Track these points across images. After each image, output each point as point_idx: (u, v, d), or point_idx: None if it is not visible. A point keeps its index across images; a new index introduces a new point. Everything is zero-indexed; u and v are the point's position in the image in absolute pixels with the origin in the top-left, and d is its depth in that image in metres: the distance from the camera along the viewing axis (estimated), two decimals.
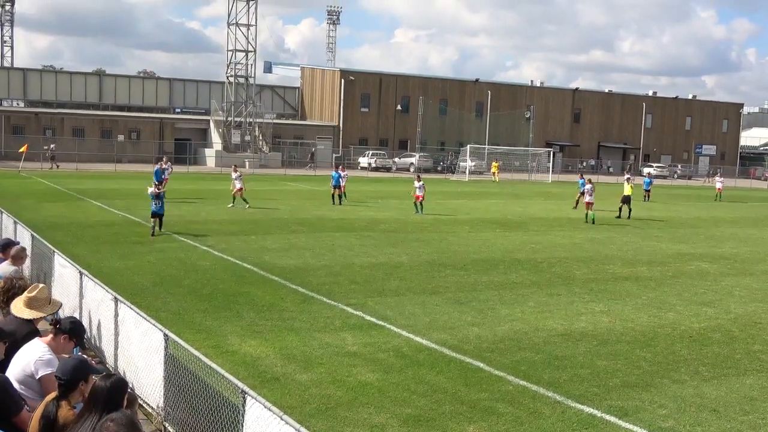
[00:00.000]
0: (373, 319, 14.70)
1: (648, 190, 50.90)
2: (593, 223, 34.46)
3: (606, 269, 22.38)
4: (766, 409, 10.77)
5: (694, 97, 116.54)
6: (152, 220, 25.16)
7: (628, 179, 41.74)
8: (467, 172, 74.07)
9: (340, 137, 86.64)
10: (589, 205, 35.53)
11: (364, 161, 79.85)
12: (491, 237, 28.56)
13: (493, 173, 74.20)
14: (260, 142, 78.81)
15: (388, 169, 79.44)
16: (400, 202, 42.34)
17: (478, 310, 16.01)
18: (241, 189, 35.73)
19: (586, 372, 12.06)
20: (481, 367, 12.01)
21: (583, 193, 48.16)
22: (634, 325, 15.50)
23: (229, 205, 34.90)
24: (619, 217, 38.61)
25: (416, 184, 37.21)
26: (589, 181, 37.30)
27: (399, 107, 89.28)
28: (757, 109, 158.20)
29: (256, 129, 78.43)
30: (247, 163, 67.35)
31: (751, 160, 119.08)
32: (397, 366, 11.85)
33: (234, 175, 36.22)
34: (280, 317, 14.56)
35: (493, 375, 11.64)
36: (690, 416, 10.36)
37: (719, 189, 57.69)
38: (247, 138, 77.38)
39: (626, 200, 39.25)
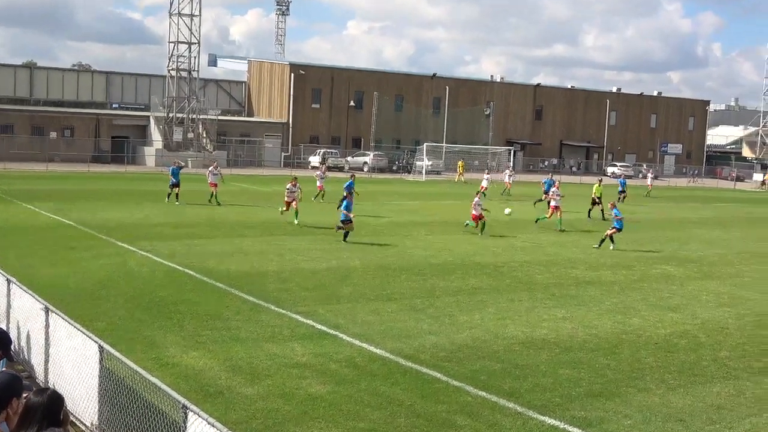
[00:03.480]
0: (325, 328, 14.66)
1: (623, 192, 50.86)
2: (562, 230, 33.62)
3: (569, 273, 22.62)
4: (733, 418, 10.97)
5: (660, 93, 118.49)
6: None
7: (600, 180, 42.49)
8: (424, 171, 74.34)
9: (290, 135, 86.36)
10: (555, 209, 34.71)
11: (315, 160, 79.65)
12: (450, 240, 28.68)
13: (459, 173, 74.46)
14: (204, 140, 78.14)
15: (340, 168, 79.39)
16: (355, 203, 42.26)
17: (436, 317, 16.07)
18: (215, 185, 37.87)
19: (548, 381, 12.17)
20: (438, 377, 12.04)
21: (547, 193, 48.97)
22: (598, 332, 15.69)
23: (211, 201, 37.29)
24: (589, 218, 39.28)
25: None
26: (558, 184, 36.78)
27: (352, 103, 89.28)
28: (723, 107, 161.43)
29: (200, 126, 77.74)
30: (189, 163, 66.73)
31: (717, 159, 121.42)
32: (349, 377, 11.83)
33: (212, 169, 38.91)
34: (225, 327, 14.44)
35: (451, 386, 11.68)
36: (656, 426, 10.51)
37: (650, 186, 59.35)
38: (190, 135, 76.65)
39: (596, 202, 39.80)
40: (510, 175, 56.64)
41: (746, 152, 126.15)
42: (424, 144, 78.03)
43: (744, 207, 53.99)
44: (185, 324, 14.54)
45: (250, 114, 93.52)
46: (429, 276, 20.89)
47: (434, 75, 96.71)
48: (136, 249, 22.92)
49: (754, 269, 25.42)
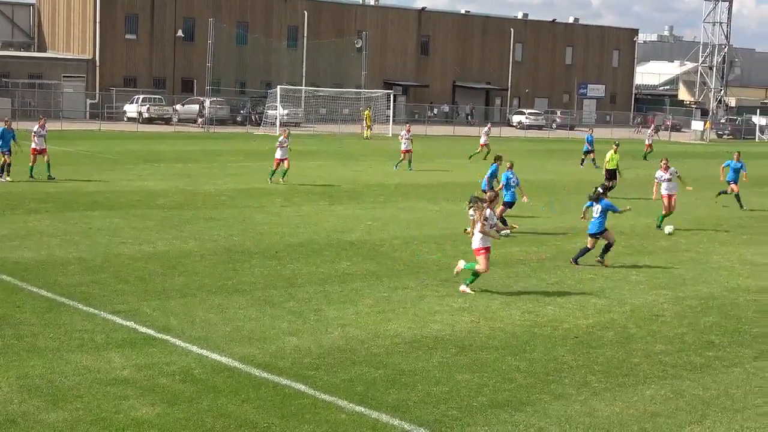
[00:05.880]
0: (151, 332, 14.50)
1: (589, 152, 51.44)
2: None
3: (466, 251, 23.01)
4: (670, 427, 11.47)
5: (576, 20, 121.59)
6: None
7: (617, 146, 40.37)
8: (278, 123, 74.07)
9: (97, 76, 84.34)
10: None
11: (131, 110, 78.10)
12: (313, 212, 28.75)
13: (367, 126, 74.19)
14: None
15: (167, 121, 78.20)
16: (187, 166, 41.84)
17: (297, 314, 16.11)
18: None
19: (443, 390, 12.41)
20: (302, 390, 12.10)
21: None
22: (504, 325, 16.06)
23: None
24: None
25: None
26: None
27: (180, 33, 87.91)
28: (655, 37, 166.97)
29: None
30: None
31: (648, 104, 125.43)
32: (186, 395, 11.75)
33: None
34: (16, 334, 14.09)
35: (319, 400, 11.76)
36: None
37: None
38: None
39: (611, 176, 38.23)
40: (487, 133, 56.09)
41: (683, 94, 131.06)
42: (278, 87, 77.62)
43: (690, 161, 56.00)
44: None
45: (42, 48, 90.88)
46: (287, 260, 20.89)
47: None
48: None
49: (693, 241, 26.50)
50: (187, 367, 12.85)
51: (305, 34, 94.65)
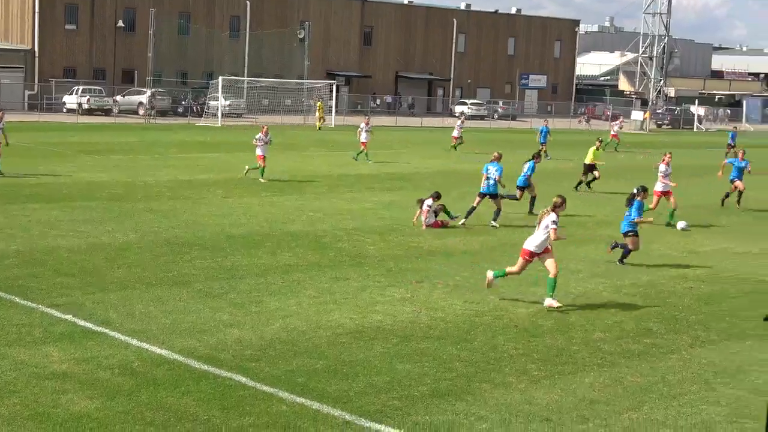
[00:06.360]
0: (90, 325, 14.39)
1: (544, 143, 51.93)
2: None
3: (409, 242, 23.13)
4: (609, 414, 11.62)
5: (518, 11, 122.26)
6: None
7: (600, 142, 39.67)
8: (220, 114, 73.72)
9: (36, 67, 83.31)
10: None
11: (71, 101, 77.23)
12: (254, 203, 28.67)
13: (320, 117, 73.84)
14: None
15: (107, 112, 77.47)
16: (127, 158, 41.51)
17: (238, 305, 16.08)
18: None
19: (384, 380, 12.45)
20: (243, 382, 12.08)
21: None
22: (446, 315, 16.15)
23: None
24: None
25: None
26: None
27: (121, 24, 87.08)
28: (596, 28, 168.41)
29: None
30: None
31: (589, 94, 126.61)
32: (125, 388, 11.68)
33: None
34: None
35: (261, 392, 11.75)
36: (517, 429, 10.98)
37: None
38: None
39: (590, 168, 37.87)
40: (460, 126, 55.90)
41: (623, 85, 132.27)
42: (219, 78, 77.16)
43: (629, 152, 56.71)
44: None
45: None
46: (229, 252, 20.83)
47: None
48: None
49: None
50: (127, 361, 12.78)
51: (248, 25, 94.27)
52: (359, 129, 45.11)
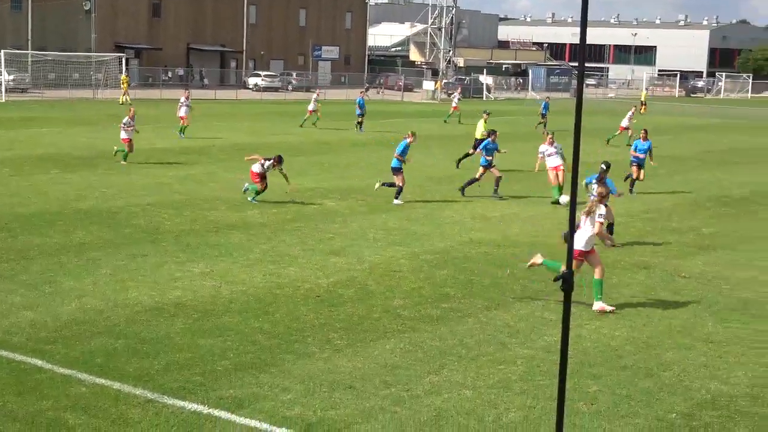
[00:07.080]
0: None
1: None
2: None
3: (206, 217, 22.94)
4: (410, 378, 11.87)
5: None
6: None
7: (487, 114, 39.19)
8: (4, 89, 70.95)
9: None
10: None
11: None
12: (43, 181, 27.84)
13: (125, 91, 71.39)
14: None
15: None
16: None
17: (31, 287, 15.63)
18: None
19: (186, 356, 12.35)
20: (39, 365, 11.78)
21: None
22: (246, 288, 16.14)
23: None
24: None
25: None
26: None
27: None
28: (386, 0, 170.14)
29: None
30: None
31: (381, 65, 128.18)
32: None
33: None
34: None
35: (58, 374, 11.48)
36: (321, 398, 11.09)
37: (454, 107, 58.57)
38: None
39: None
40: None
41: (414, 55, 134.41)
42: (2, 51, 74.22)
43: (414, 121, 57.64)
44: None
45: None
46: (18, 231, 20.19)
47: None
48: None
49: (427, 197, 27.38)
50: None
51: None
52: (179, 103, 44.30)
